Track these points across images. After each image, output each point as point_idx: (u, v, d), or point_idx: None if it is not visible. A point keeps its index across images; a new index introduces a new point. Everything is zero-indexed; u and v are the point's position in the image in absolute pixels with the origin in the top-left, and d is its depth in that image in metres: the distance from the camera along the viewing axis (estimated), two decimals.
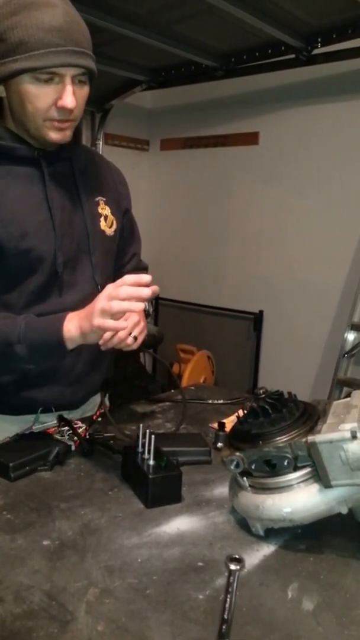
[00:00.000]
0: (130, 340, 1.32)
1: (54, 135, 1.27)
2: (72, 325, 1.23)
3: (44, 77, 1.19)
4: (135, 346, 1.35)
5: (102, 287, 1.42)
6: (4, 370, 1.35)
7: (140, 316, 1.39)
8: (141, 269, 1.70)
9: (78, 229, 1.39)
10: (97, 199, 1.45)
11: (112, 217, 1.47)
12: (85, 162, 1.45)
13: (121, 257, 1.62)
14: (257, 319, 4.06)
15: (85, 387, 1.50)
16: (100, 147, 4.20)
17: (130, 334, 1.32)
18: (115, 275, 1.60)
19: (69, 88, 1.21)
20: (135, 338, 1.33)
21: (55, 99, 1.22)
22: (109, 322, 1.20)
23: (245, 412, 1.04)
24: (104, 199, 1.47)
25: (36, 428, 1.37)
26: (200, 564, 0.92)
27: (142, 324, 1.37)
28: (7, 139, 1.30)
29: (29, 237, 1.29)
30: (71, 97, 1.21)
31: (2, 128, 1.31)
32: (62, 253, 1.34)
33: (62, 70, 1.19)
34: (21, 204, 1.30)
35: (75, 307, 1.37)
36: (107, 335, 1.30)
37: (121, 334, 1.30)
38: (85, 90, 1.27)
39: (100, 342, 1.31)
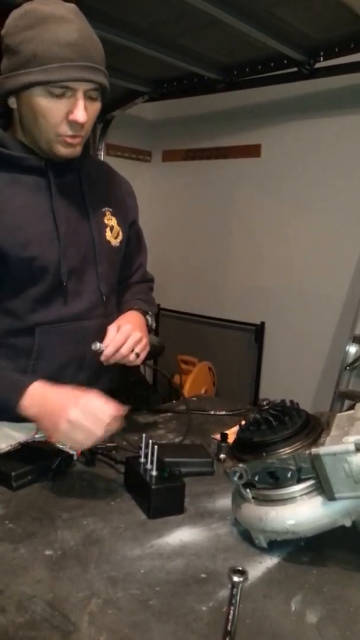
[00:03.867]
0: (132, 357, 1.37)
1: (64, 151, 1.28)
2: (29, 411, 1.20)
3: (57, 91, 1.20)
4: (138, 362, 1.40)
5: (107, 297, 1.44)
6: None
7: (142, 332, 1.42)
8: (147, 280, 1.71)
9: (84, 239, 1.40)
10: (103, 209, 1.46)
11: (118, 228, 1.48)
12: (93, 173, 1.46)
13: (127, 269, 1.62)
14: (258, 331, 4.06)
15: None
16: (102, 157, 4.20)
17: (132, 350, 1.36)
18: (121, 286, 1.61)
19: (80, 103, 1.21)
20: (138, 355, 1.38)
21: (67, 113, 1.22)
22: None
23: (248, 421, 1.04)
24: (111, 210, 1.47)
25: (39, 437, 1.37)
26: (203, 575, 0.92)
27: (144, 340, 1.41)
28: (15, 148, 1.31)
29: (32, 246, 1.30)
30: (82, 111, 1.22)
31: (11, 138, 1.32)
32: (67, 263, 1.35)
33: (75, 84, 1.20)
34: (27, 213, 1.31)
35: (80, 315, 1.39)
36: (109, 351, 1.34)
37: (123, 351, 1.35)
38: (96, 106, 1.27)
39: (102, 358, 1.34)
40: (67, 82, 1.19)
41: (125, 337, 1.36)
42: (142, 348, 1.40)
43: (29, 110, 1.24)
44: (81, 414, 1.11)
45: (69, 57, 1.17)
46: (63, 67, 1.17)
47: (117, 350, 1.35)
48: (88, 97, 1.24)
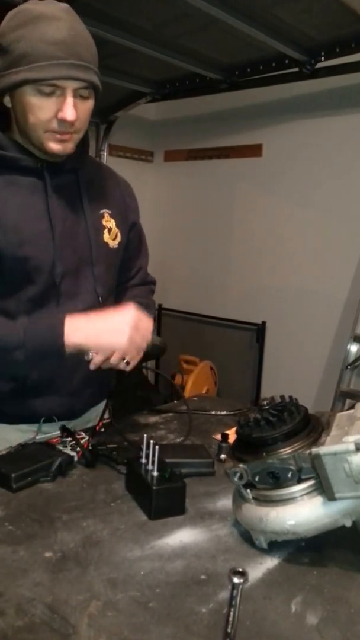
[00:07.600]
0: (122, 365, 1.34)
1: (55, 146, 1.28)
2: (76, 336, 1.26)
3: (46, 89, 1.20)
4: (128, 369, 1.37)
5: (104, 299, 1.43)
6: (3, 375, 1.37)
7: None
8: (148, 283, 1.69)
9: (80, 240, 1.39)
10: (102, 211, 1.45)
11: (116, 229, 1.47)
12: (91, 174, 1.46)
13: (127, 271, 1.61)
14: (259, 330, 4.06)
15: (85, 398, 1.49)
16: (105, 158, 4.22)
17: (123, 359, 1.34)
18: (120, 289, 1.60)
19: (69, 101, 1.21)
20: (128, 363, 1.35)
21: (56, 111, 1.22)
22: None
23: (245, 419, 1.03)
24: (109, 212, 1.47)
25: (39, 438, 1.37)
26: (203, 577, 0.91)
27: None
28: (11, 149, 1.31)
29: (26, 246, 1.30)
30: (72, 110, 1.22)
31: (7, 139, 1.32)
32: (62, 263, 1.34)
33: (64, 83, 1.20)
34: (22, 213, 1.31)
35: None
36: (98, 360, 1.32)
37: (113, 360, 1.32)
38: (88, 104, 1.27)
39: (91, 366, 1.32)
40: (55, 81, 1.19)
41: None
42: (134, 355, 1.37)
43: (21, 109, 1.25)
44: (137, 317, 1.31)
45: (57, 55, 1.17)
46: (51, 65, 1.17)
47: (107, 359, 1.32)
48: (79, 96, 1.23)
